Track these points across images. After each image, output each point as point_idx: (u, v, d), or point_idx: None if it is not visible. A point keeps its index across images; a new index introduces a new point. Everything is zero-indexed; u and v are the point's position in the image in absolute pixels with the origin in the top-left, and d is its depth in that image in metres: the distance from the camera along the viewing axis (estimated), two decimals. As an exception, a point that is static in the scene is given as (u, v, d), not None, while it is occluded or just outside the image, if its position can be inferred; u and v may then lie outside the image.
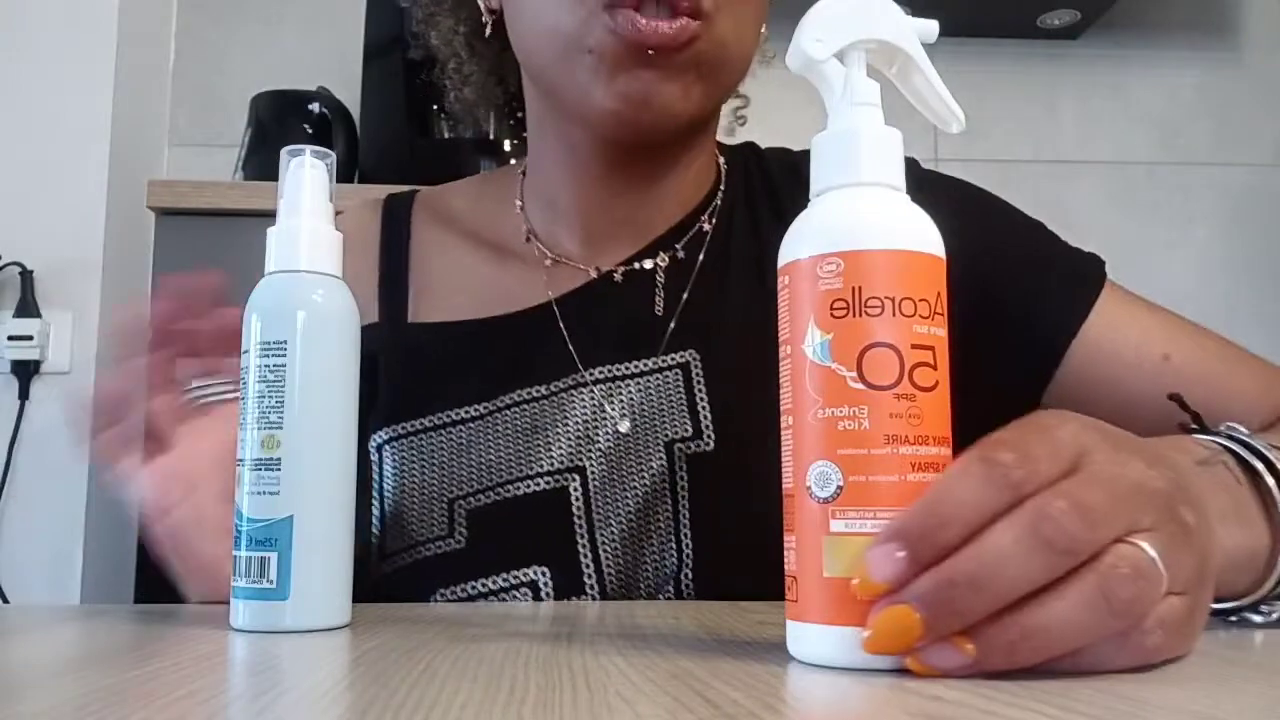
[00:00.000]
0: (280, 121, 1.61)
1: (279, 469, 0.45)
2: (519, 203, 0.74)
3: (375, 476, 0.66)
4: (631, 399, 0.65)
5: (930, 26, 0.38)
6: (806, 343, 0.35)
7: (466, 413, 0.66)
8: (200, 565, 0.55)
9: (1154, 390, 0.59)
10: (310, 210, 0.48)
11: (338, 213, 0.50)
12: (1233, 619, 0.45)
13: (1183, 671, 0.33)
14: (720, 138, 0.76)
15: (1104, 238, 2.03)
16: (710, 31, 0.61)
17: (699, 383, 0.65)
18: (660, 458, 0.64)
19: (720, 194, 0.73)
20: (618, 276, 0.69)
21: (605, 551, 0.63)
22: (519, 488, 0.64)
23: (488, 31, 0.72)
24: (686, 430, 0.64)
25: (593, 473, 0.64)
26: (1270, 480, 0.45)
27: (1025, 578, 0.30)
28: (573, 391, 0.65)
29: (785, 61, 0.38)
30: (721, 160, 0.75)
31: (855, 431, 0.33)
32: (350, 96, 1.65)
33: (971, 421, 0.38)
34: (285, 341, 0.45)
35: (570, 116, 0.66)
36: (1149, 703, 0.29)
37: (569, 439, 0.64)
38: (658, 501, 0.63)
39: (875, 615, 0.32)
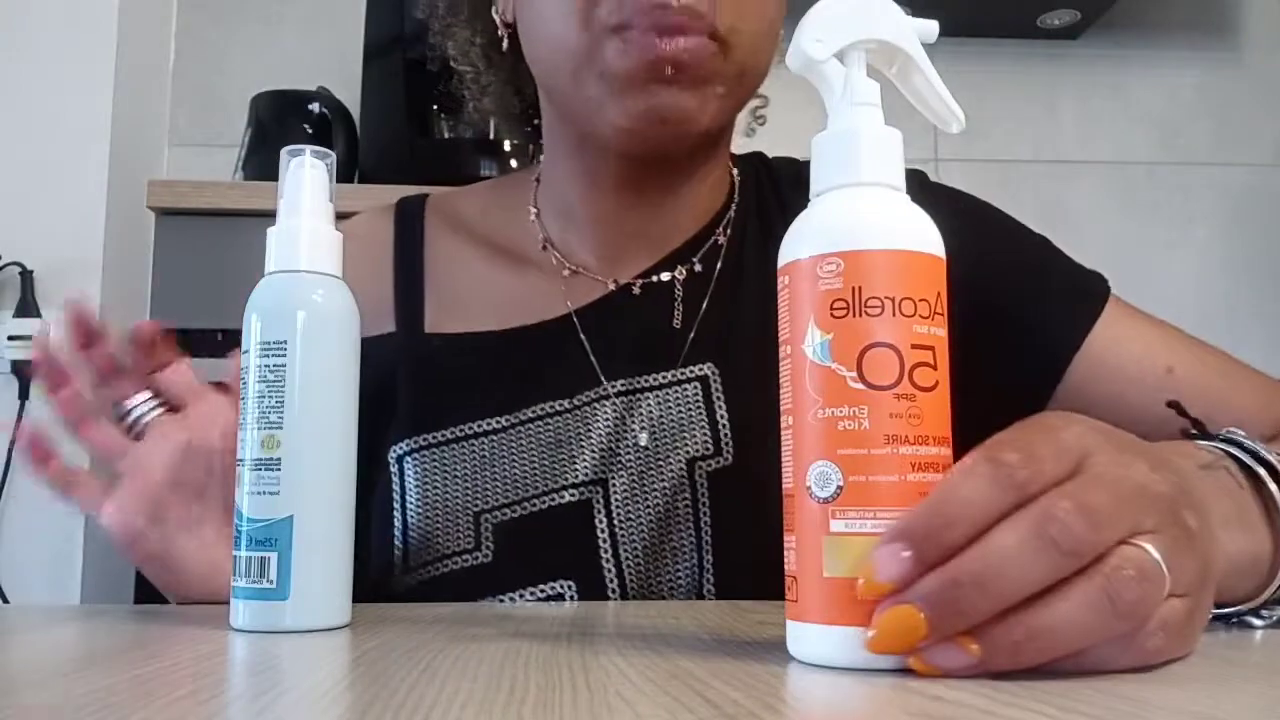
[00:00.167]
0: (280, 121, 1.61)
1: (279, 469, 0.45)
2: (534, 210, 0.73)
3: (396, 488, 0.65)
4: (651, 412, 0.65)
5: (930, 26, 0.38)
6: (806, 343, 0.35)
7: (489, 424, 0.65)
8: (182, 577, 0.55)
9: (1156, 404, 0.59)
10: (310, 210, 0.48)
11: (344, 215, 0.50)
12: (1233, 621, 0.45)
13: (1183, 672, 0.33)
14: (738, 138, 0.75)
15: (1104, 238, 2.04)
16: (728, 50, 0.60)
17: (718, 396, 0.65)
18: (681, 473, 0.64)
19: (734, 205, 0.73)
20: (636, 289, 0.69)
21: (628, 565, 0.63)
22: (545, 501, 0.64)
23: (504, 44, 0.72)
24: (707, 447, 0.64)
25: (615, 486, 0.64)
26: (1273, 485, 0.45)
27: (1030, 578, 0.31)
28: (595, 405, 0.65)
29: (785, 61, 0.38)
30: (735, 171, 0.75)
31: (855, 431, 0.33)
32: (350, 96, 1.65)
33: (971, 423, 0.38)
34: (285, 341, 0.45)
35: (585, 133, 0.66)
36: (1150, 703, 0.29)
37: (592, 452, 0.64)
38: (679, 515, 0.63)
39: (879, 615, 0.32)
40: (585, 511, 0.63)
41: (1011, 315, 0.67)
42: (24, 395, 1.53)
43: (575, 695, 0.30)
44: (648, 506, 0.63)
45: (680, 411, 0.65)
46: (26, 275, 1.52)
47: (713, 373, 0.66)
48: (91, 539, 1.52)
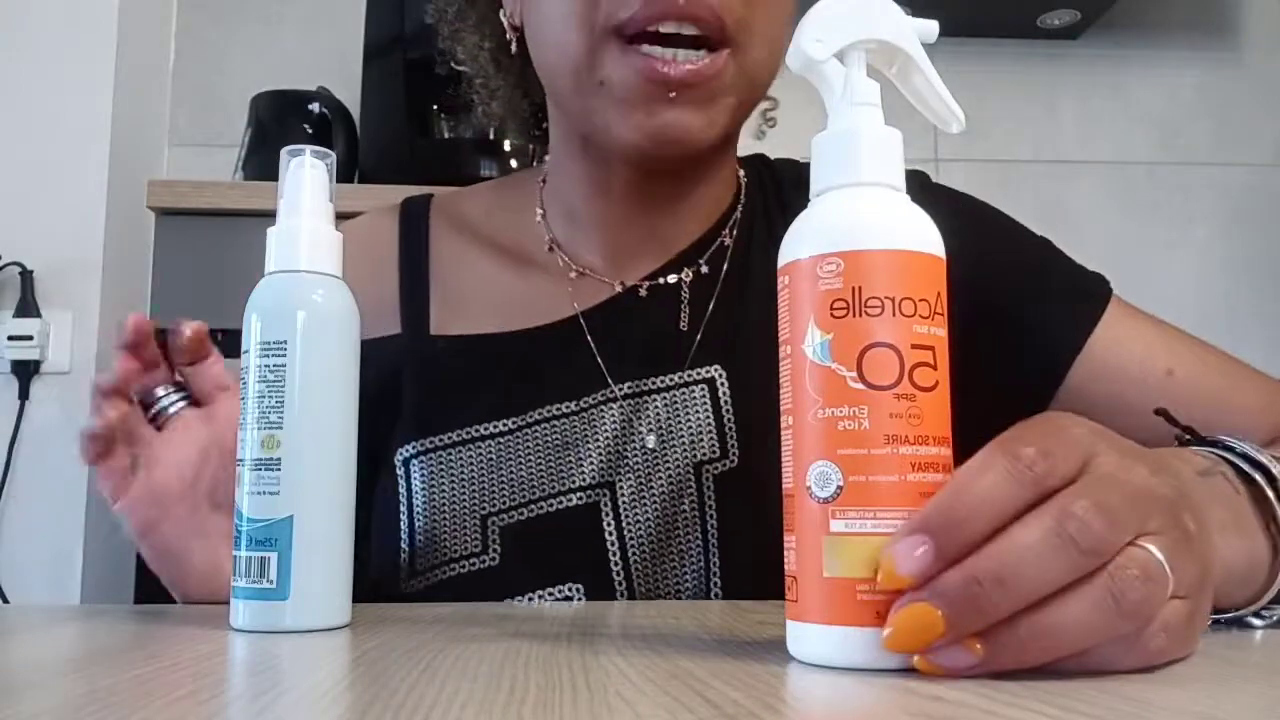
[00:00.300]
0: (280, 121, 1.61)
1: (279, 469, 0.45)
2: (540, 211, 0.73)
3: (403, 491, 0.65)
4: (658, 414, 0.65)
5: (930, 26, 0.38)
6: (806, 343, 0.35)
7: (496, 427, 0.65)
8: (186, 576, 0.55)
9: (1157, 406, 0.59)
10: (310, 210, 0.48)
11: (344, 215, 0.50)
12: (1232, 622, 0.45)
13: (1184, 672, 0.33)
14: (748, 141, 0.75)
15: (1104, 238, 2.04)
16: (740, 57, 0.60)
17: (725, 398, 0.65)
18: (688, 476, 0.64)
19: (740, 207, 0.73)
20: (643, 291, 0.69)
21: (636, 568, 0.63)
22: (552, 504, 0.63)
23: (513, 48, 0.72)
24: (714, 450, 0.64)
25: (622, 489, 0.64)
26: (1270, 492, 0.45)
27: (1048, 577, 0.30)
28: (602, 407, 0.65)
29: (786, 62, 0.38)
30: (741, 173, 0.75)
31: (855, 431, 0.33)
32: (350, 96, 1.65)
33: (972, 424, 0.38)
34: (285, 341, 0.45)
35: (591, 140, 0.66)
36: (1151, 703, 0.29)
37: (599, 455, 0.64)
38: (686, 518, 0.63)
39: (896, 612, 0.31)
40: (593, 514, 0.63)
41: (1012, 316, 0.67)
42: (24, 395, 1.53)
43: (575, 695, 0.30)
44: (655, 509, 0.63)
45: (687, 414, 0.65)
46: (26, 275, 1.52)
47: (719, 375, 0.66)
48: (92, 539, 1.52)
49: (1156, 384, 0.65)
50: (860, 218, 0.35)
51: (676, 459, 0.64)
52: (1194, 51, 1.97)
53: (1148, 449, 0.36)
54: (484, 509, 0.63)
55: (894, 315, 0.34)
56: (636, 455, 0.64)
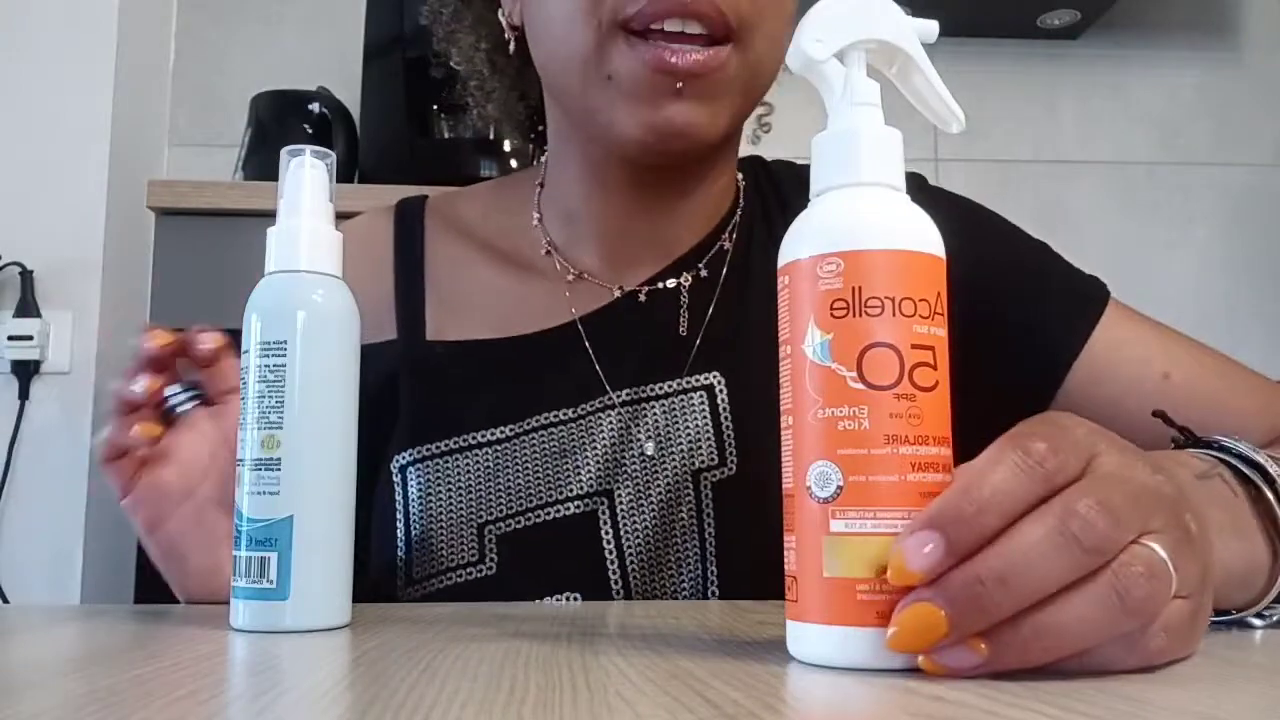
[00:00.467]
0: (280, 121, 1.61)
1: (279, 469, 0.45)
2: (536, 215, 0.72)
3: (399, 499, 0.64)
4: (657, 421, 0.64)
5: (930, 26, 0.38)
6: (806, 343, 0.35)
7: (493, 434, 0.64)
8: (187, 576, 0.55)
9: (1154, 408, 0.59)
10: (310, 210, 0.48)
11: (344, 215, 0.50)
12: (1233, 623, 0.45)
13: (1185, 672, 0.33)
14: (742, 145, 0.74)
15: (1104, 238, 2.04)
16: (743, 53, 0.60)
17: (724, 406, 0.65)
18: (687, 484, 0.63)
19: (740, 210, 0.72)
20: (642, 296, 0.68)
21: (634, 576, 0.62)
22: (550, 512, 0.63)
23: (511, 48, 0.71)
24: (713, 457, 0.64)
25: (620, 497, 0.63)
26: (1269, 493, 0.45)
27: (1052, 576, 0.30)
28: (600, 414, 0.64)
29: (785, 62, 0.38)
30: (740, 176, 0.74)
31: (855, 431, 0.33)
32: (350, 96, 1.65)
33: (972, 424, 0.38)
34: (285, 341, 0.45)
35: (593, 138, 0.65)
36: (1152, 703, 0.29)
37: (597, 462, 0.63)
38: (684, 526, 0.63)
39: (900, 612, 0.31)
40: (591, 522, 0.63)
41: (1011, 318, 0.67)
42: (24, 395, 1.53)
43: (575, 695, 0.30)
44: (653, 517, 0.63)
45: (686, 421, 0.64)
46: (26, 275, 1.52)
47: (718, 381, 0.65)
48: (92, 539, 1.52)
49: (1154, 387, 0.65)
50: (860, 218, 0.35)
51: (675, 466, 0.63)
52: (1194, 51, 1.97)
53: (1146, 452, 0.36)
54: (481, 517, 0.63)
55: (894, 315, 0.34)
56: (635, 463, 0.64)
